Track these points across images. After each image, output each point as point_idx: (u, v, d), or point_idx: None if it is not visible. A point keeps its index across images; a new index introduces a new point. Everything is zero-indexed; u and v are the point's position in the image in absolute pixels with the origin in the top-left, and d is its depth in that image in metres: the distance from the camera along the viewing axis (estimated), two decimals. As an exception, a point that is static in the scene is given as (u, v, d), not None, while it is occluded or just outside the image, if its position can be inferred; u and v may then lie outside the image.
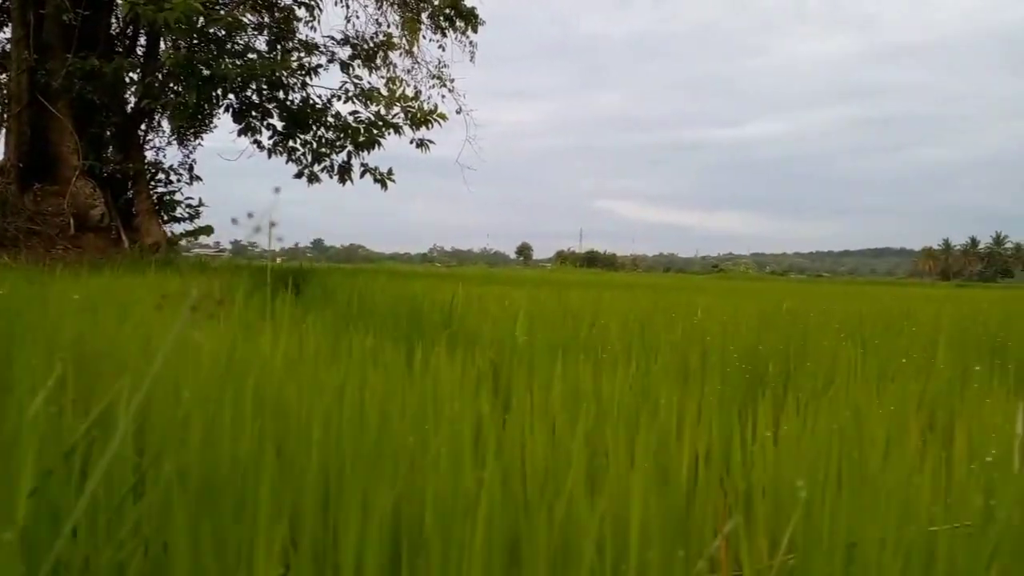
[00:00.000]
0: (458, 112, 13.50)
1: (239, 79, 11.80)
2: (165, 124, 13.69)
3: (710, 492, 1.22)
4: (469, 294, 6.90)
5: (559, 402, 2.02)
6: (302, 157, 13.32)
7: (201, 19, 11.11)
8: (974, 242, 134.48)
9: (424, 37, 13.47)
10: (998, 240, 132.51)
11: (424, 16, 13.54)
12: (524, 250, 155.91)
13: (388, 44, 12.89)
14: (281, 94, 12.78)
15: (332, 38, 12.94)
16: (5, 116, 11.75)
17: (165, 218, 13.63)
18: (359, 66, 12.78)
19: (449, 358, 2.35)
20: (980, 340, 3.52)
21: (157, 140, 13.97)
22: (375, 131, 12.53)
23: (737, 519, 1.11)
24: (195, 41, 12.09)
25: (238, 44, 12.58)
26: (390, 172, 12.99)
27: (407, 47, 13.12)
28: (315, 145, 13.13)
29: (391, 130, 12.58)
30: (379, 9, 13.43)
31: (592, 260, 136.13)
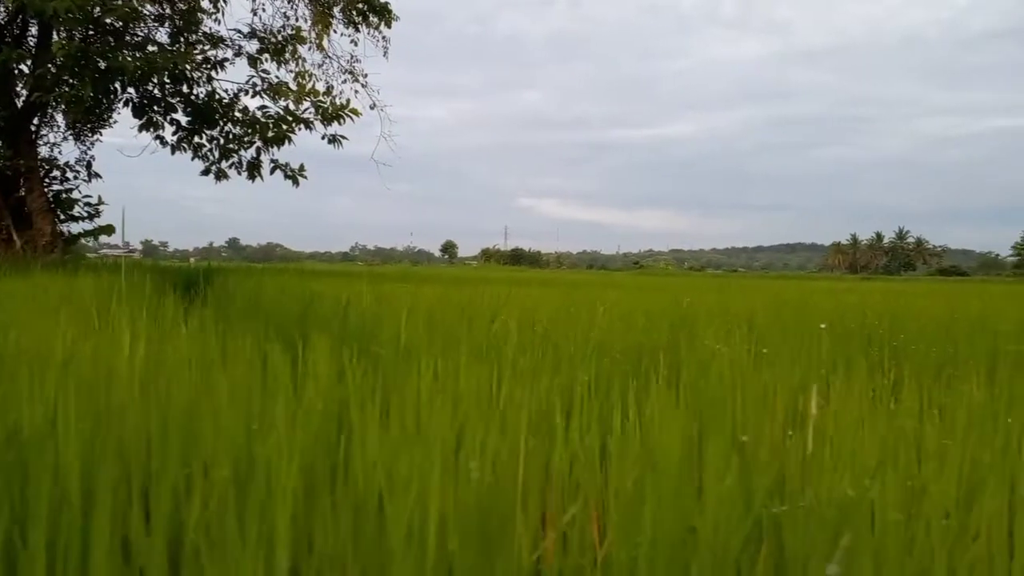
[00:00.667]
0: (372, 108, 13.32)
1: (138, 72, 11.33)
2: (60, 119, 13.05)
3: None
4: (382, 292, 6.81)
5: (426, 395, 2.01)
6: (209, 153, 12.90)
7: (97, 9, 10.62)
8: (879, 237, 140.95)
9: (335, 31, 13.23)
10: (901, 235, 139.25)
11: (336, 10, 13.29)
12: (449, 248, 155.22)
13: (297, 38, 12.60)
14: (185, 88, 12.33)
15: (238, 31, 12.57)
16: None
17: (62, 217, 12.98)
18: (267, 60, 12.45)
19: (333, 356, 2.31)
20: (852, 331, 3.68)
21: (52, 135, 13.30)
22: (284, 126, 12.24)
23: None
24: (90, 32, 11.55)
25: (137, 36, 12.08)
26: (302, 168, 12.72)
27: (317, 41, 12.85)
28: (222, 141, 12.73)
29: (301, 125, 12.31)
30: (288, 2, 13.11)
31: (517, 258, 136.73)
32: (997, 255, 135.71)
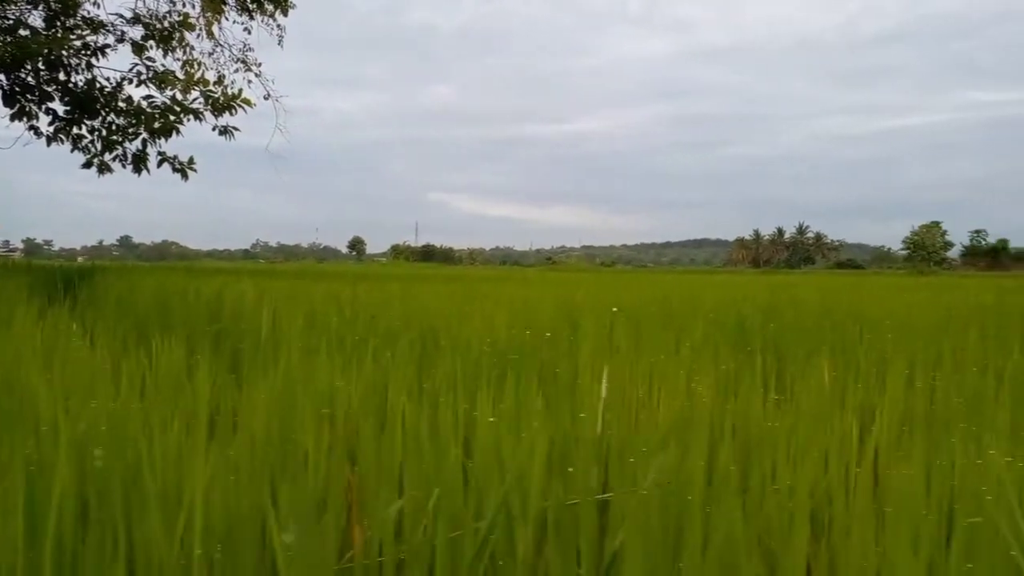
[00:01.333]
0: (266, 98, 12.86)
1: (9, 58, 10.60)
2: (-83, 107, 12.04)
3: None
4: (271, 289, 6.56)
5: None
6: (91, 145, 12.16)
7: (-40, -12, 9.85)
8: (780, 232, 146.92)
9: (227, 19, 12.70)
10: (801, 230, 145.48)
11: (228, -4, 12.76)
12: (357, 244, 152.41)
13: (185, 25, 12.02)
14: (62, 75, 11.59)
15: (121, 16, 11.88)
16: None
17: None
18: (152, 48, 11.82)
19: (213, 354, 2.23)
20: (725, 323, 3.73)
21: (-89, 124, 12.25)
22: (172, 117, 11.65)
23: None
24: (-48, 13, 10.71)
25: (7, 19, 11.29)
26: (191, 161, 12.14)
27: (206, 28, 12.30)
28: (105, 132, 12.02)
29: (190, 116, 11.75)
30: (176, -14, 12.47)
31: (429, 254, 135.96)
32: (889, 248, 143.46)
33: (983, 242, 73.11)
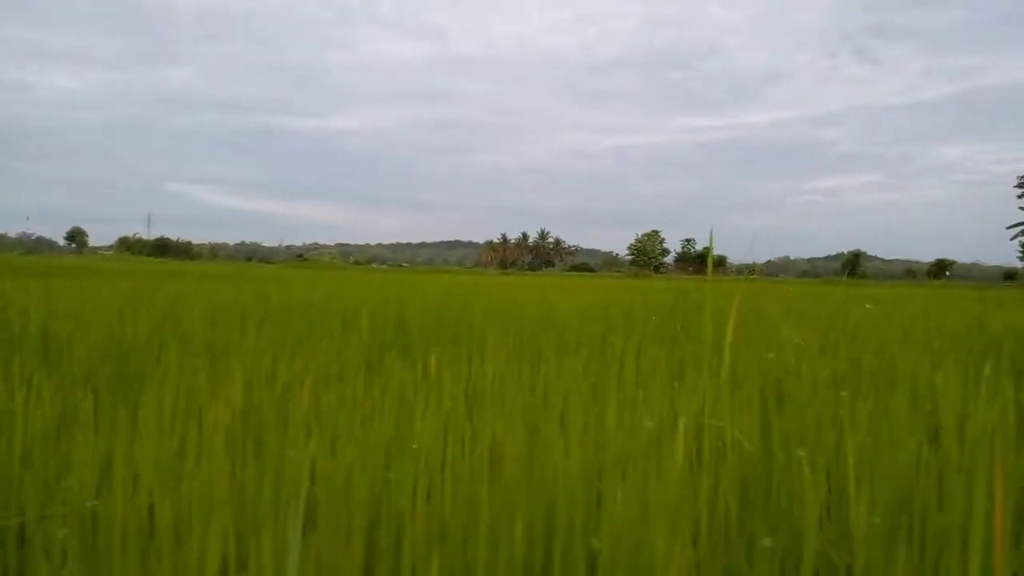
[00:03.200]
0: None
1: None
2: None
3: None
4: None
5: None
6: None
7: None
8: (525, 237, 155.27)
9: None
10: (543, 236, 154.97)
11: None
12: (77, 236, 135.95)
13: None
14: None
15: None
16: None
17: None
18: None
19: None
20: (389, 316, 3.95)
21: None
22: None
23: None
24: None
25: None
26: None
27: None
28: None
29: None
30: None
31: (164, 248, 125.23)
32: (618, 254, 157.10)
33: (692, 249, 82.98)
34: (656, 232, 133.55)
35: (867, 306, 6.82)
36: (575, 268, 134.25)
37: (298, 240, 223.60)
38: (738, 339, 2.96)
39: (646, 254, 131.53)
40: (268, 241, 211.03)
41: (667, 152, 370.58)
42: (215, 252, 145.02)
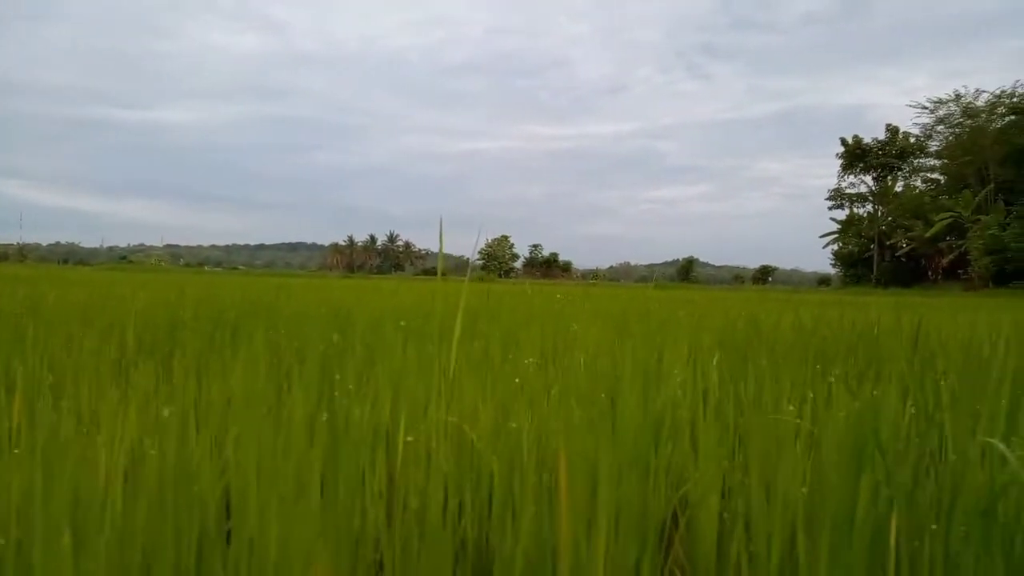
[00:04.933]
0: None
1: None
2: None
3: None
4: None
5: None
6: None
7: None
8: (373, 240, 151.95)
9: None
10: (391, 238, 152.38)
11: None
12: None
13: None
14: None
15: None
16: None
17: None
18: None
19: None
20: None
21: None
22: None
23: None
24: None
25: None
26: None
27: None
28: None
29: None
30: None
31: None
32: (469, 258, 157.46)
33: (540, 255, 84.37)
34: (506, 237, 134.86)
35: (652, 288, 6.75)
36: (425, 272, 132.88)
37: (122, 241, 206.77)
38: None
39: (496, 259, 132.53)
40: (88, 242, 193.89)
41: (515, 158, 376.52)
42: (24, 254, 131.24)
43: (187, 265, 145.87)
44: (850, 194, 49.71)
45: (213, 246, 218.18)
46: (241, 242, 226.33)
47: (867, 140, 47.14)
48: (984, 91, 37.31)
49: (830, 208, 51.04)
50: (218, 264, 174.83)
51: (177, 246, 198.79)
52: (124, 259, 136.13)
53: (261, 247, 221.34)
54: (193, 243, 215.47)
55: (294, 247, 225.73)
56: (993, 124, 34.81)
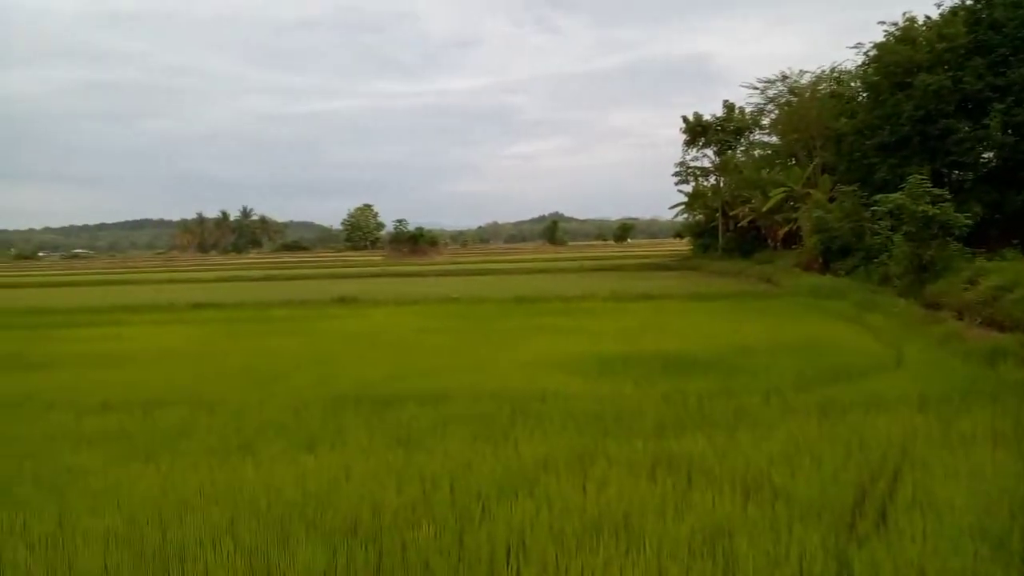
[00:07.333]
0: None
1: None
2: None
3: None
4: None
5: None
6: None
7: None
8: (226, 215, 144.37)
9: None
10: (246, 213, 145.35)
11: None
12: None
13: None
14: None
15: None
16: None
17: None
18: None
19: None
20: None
21: None
22: None
23: None
24: None
25: None
26: None
27: None
28: None
29: None
30: None
31: None
32: (332, 227, 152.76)
33: (405, 229, 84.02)
34: (369, 206, 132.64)
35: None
36: (287, 247, 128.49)
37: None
38: None
39: (360, 229, 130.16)
40: None
41: (368, 118, 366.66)
42: None
43: (21, 255, 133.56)
44: (694, 168, 52.94)
45: (47, 229, 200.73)
46: (79, 222, 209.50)
47: (707, 117, 50.26)
48: (807, 71, 40.64)
49: (676, 184, 54.12)
50: (56, 248, 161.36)
51: (5, 231, 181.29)
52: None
53: (102, 227, 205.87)
54: (23, 227, 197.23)
55: (139, 224, 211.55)
56: (815, 105, 38.01)
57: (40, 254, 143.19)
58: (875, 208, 21.90)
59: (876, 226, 23.88)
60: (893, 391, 8.07)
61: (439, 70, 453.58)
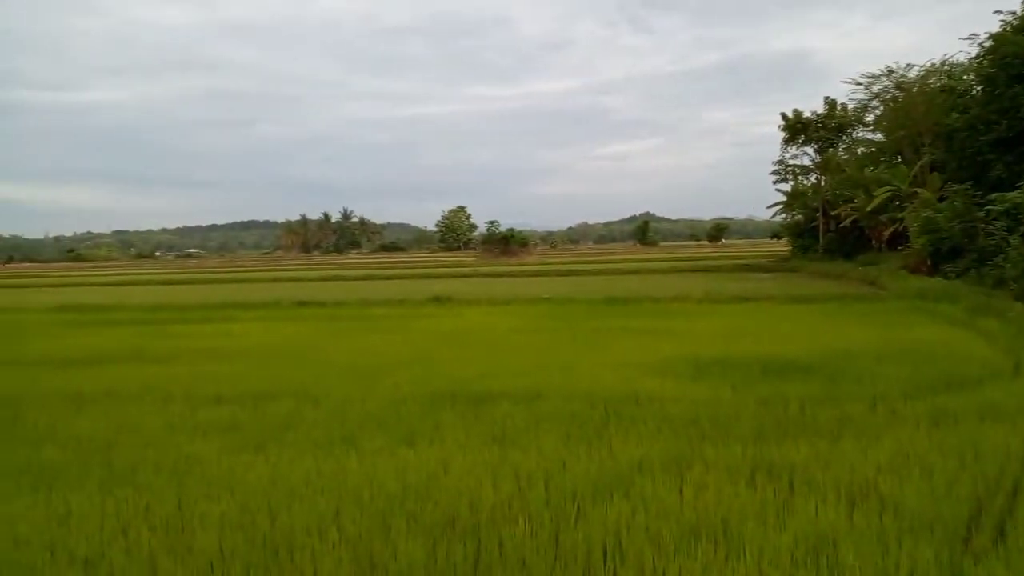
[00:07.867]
0: None
1: None
2: None
3: None
4: None
5: None
6: None
7: None
8: (327, 217, 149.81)
9: None
10: (346, 215, 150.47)
11: None
12: None
13: None
14: None
15: None
16: None
17: None
18: None
19: None
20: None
21: None
22: None
23: None
24: None
25: None
26: None
27: None
28: None
29: None
30: None
31: None
32: (427, 228, 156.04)
33: (496, 231, 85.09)
34: (462, 208, 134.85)
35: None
36: (384, 248, 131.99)
37: (67, 230, 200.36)
38: None
39: (454, 230, 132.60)
40: (31, 233, 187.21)
41: (463, 122, 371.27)
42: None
43: (140, 254, 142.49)
44: (794, 166, 51.17)
45: (164, 229, 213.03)
46: (192, 223, 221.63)
47: (807, 114, 48.46)
48: (915, 65, 38.63)
49: (775, 182, 52.45)
50: (170, 248, 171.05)
51: (126, 232, 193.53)
52: (71, 252, 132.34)
53: (213, 228, 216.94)
54: (142, 227, 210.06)
55: (246, 226, 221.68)
56: (924, 99, 36.10)
57: (157, 253, 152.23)
58: (990, 208, 20.65)
59: (991, 226, 22.52)
60: (1011, 401, 7.59)
61: (531, 73, 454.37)
